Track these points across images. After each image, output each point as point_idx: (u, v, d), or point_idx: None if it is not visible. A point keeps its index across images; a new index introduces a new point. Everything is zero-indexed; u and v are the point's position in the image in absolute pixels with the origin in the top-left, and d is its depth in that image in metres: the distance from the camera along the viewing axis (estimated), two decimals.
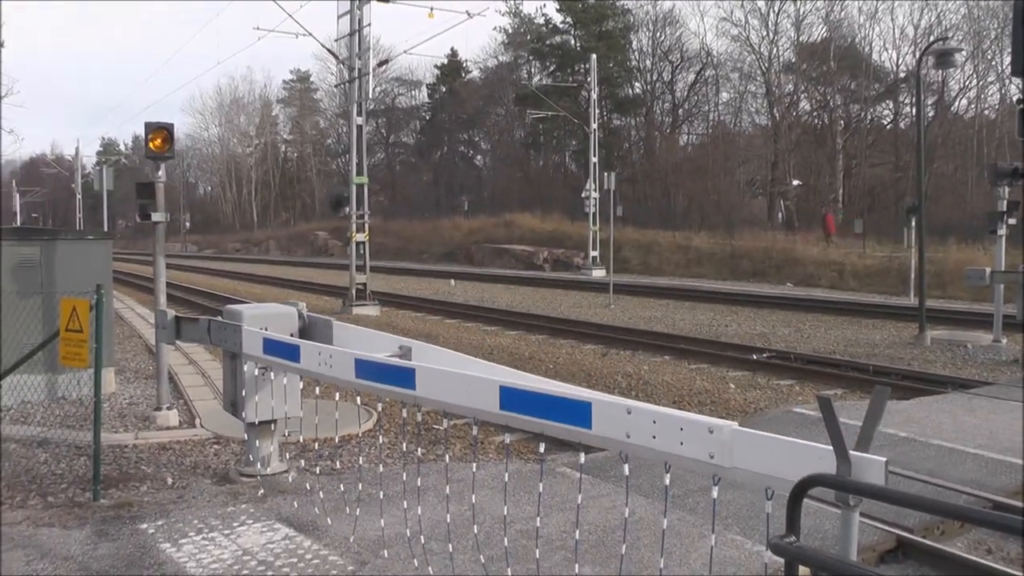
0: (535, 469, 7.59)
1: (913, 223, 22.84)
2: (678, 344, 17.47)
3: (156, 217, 10.20)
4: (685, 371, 14.78)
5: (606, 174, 28.40)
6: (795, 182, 52.83)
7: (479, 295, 30.75)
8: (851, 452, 3.03)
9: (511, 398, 4.46)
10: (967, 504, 7.12)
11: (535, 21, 70.04)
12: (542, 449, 4.47)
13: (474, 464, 5.87)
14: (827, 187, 52.40)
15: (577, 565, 4.65)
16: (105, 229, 29.58)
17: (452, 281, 36.83)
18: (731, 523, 6.34)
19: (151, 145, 10.02)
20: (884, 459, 3.01)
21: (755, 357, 15.85)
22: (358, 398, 6.65)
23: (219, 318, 7.60)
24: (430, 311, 25.31)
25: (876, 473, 3.02)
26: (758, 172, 55.87)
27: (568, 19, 66.32)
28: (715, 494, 3.55)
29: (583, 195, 41.92)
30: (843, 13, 54.08)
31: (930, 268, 24.23)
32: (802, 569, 2.90)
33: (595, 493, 6.91)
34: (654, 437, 3.77)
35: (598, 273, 38.86)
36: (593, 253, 41.54)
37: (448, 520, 5.16)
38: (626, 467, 4.00)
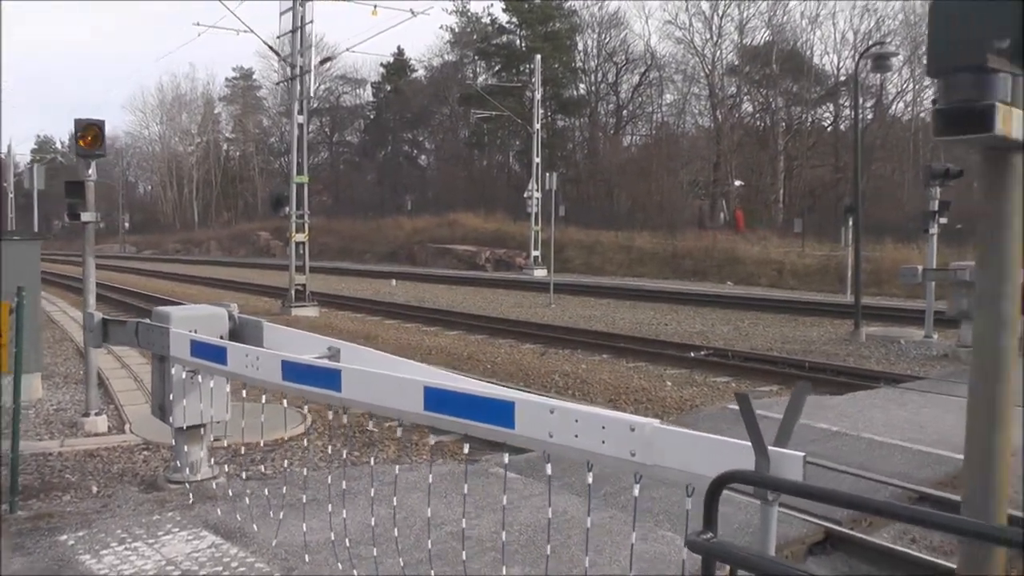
0: (471, 471, 7.53)
1: (850, 223, 23.23)
2: (617, 343, 17.56)
3: (85, 217, 9.96)
4: (623, 369, 14.84)
5: (548, 174, 28.45)
6: (737, 183, 53.43)
7: (420, 295, 30.64)
8: (770, 448, 3.04)
9: (435, 399, 4.41)
10: (893, 496, 7.25)
11: (481, 20, 70.11)
12: (466, 450, 4.43)
13: (397, 467, 5.82)
14: (768, 187, 53.06)
15: (505, 567, 4.61)
16: (36, 229, 28.95)
17: (393, 281, 36.66)
18: (663, 519, 6.35)
19: (81, 142, 9.80)
20: (802, 454, 3.02)
21: (693, 355, 15.99)
22: (284, 401, 6.55)
23: (147, 320, 7.44)
24: (370, 312, 25.17)
25: (794, 468, 3.03)
26: (701, 173, 56.39)
27: (514, 19, 66.39)
28: (636, 492, 3.55)
29: (525, 195, 41.99)
30: (786, 17, 55.03)
31: (867, 267, 24.67)
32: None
33: (527, 493, 6.88)
34: (576, 436, 3.75)
35: (540, 273, 38.87)
36: (535, 253, 41.62)
37: (373, 523, 5.09)
38: (548, 467, 3.98)
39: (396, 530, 5.14)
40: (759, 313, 23.76)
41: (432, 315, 23.47)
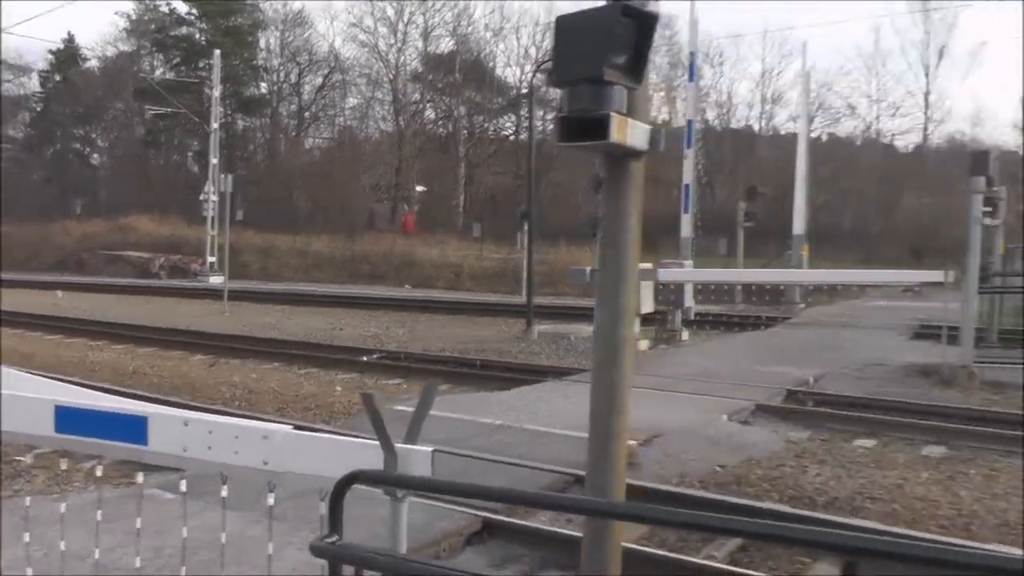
0: (125, 494, 7.14)
1: (525, 227, 24.46)
2: (289, 350, 17.43)
3: None
4: (294, 377, 14.76)
5: (224, 176, 27.66)
6: (419, 187, 54.43)
7: (88, 307, 28.61)
8: (397, 445, 3.11)
9: (67, 418, 4.14)
10: (551, 480, 7.74)
11: (160, 9, 65.96)
12: (99, 473, 4.22)
13: (28, 498, 5.36)
14: (450, 192, 54.47)
15: None
16: None
17: (59, 293, 34.08)
18: (317, 527, 6.33)
19: None
20: (430, 449, 3.11)
21: (365, 359, 16.18)
22: None
23: None
24: (30, 327, 23.10)
25: (423, 464, 3.11)
26: (383, 177, 56.91)
27: (194, 11, 63.16)
28: (271, 501, 3.55)
29: (201, 197, 40.64)
30: (470, 29, 56.68)
31: (543, 268, 26.07)
32: None
33: (189, 512, 6.64)
34: (210, 448, 3.67)
35: (215, 279, 37.53)
36: (211, 259, 40.37)
37: (3, 565, 4.73)
38: (183, 483, 3.90)
39: (30, 570, 4.78)
40: (435, 315, 24.46)
41: (99, 328, 22.01)
